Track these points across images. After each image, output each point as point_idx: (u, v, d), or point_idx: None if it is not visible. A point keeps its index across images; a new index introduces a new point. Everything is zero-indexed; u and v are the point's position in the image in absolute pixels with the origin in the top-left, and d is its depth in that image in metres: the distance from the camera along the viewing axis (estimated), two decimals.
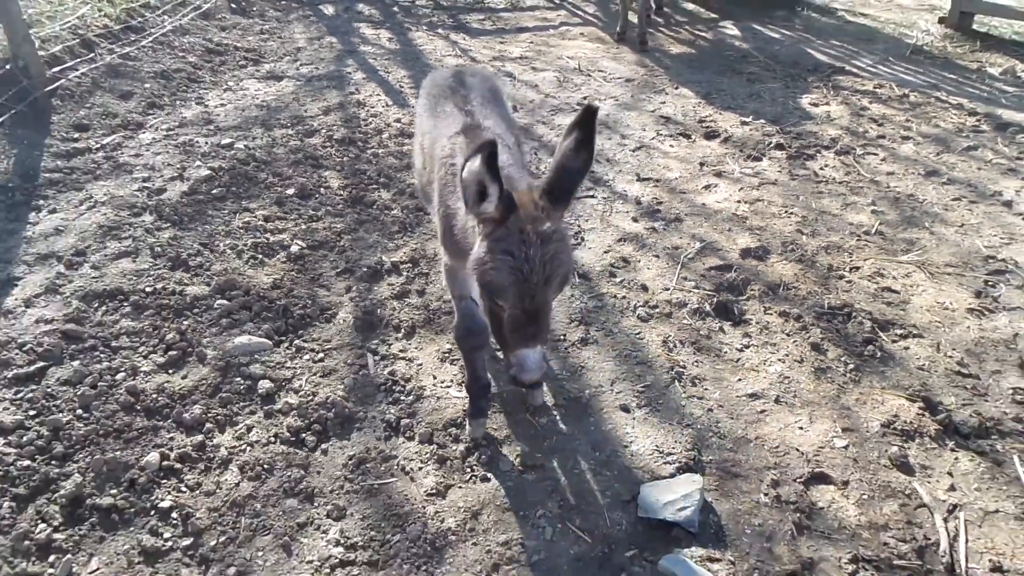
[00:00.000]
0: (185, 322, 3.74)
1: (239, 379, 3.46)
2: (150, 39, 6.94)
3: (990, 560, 2.78)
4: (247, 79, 6.84)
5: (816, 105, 6.95)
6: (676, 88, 7.33)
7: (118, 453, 3.01)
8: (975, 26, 8.66)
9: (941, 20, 8.89)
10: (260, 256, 4.33)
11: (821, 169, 5.71)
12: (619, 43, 8.59)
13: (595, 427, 3.33)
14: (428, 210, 3.62)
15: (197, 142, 5.46)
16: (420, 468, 3.11)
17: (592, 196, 5.24)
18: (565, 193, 2.26)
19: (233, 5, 8.70)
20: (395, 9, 9.51)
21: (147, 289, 3.90)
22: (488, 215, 2.18)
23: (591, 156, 2.27)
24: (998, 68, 7.75)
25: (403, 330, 3.89)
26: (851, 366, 3.69)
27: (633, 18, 8.76)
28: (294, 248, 4.43)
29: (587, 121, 2.24)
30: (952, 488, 3.07)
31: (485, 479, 3.08)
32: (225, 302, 3.90)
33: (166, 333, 3.63)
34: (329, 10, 9.25)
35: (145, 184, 4.85)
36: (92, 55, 6.31)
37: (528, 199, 2.24)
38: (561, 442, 3.26)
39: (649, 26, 8.94)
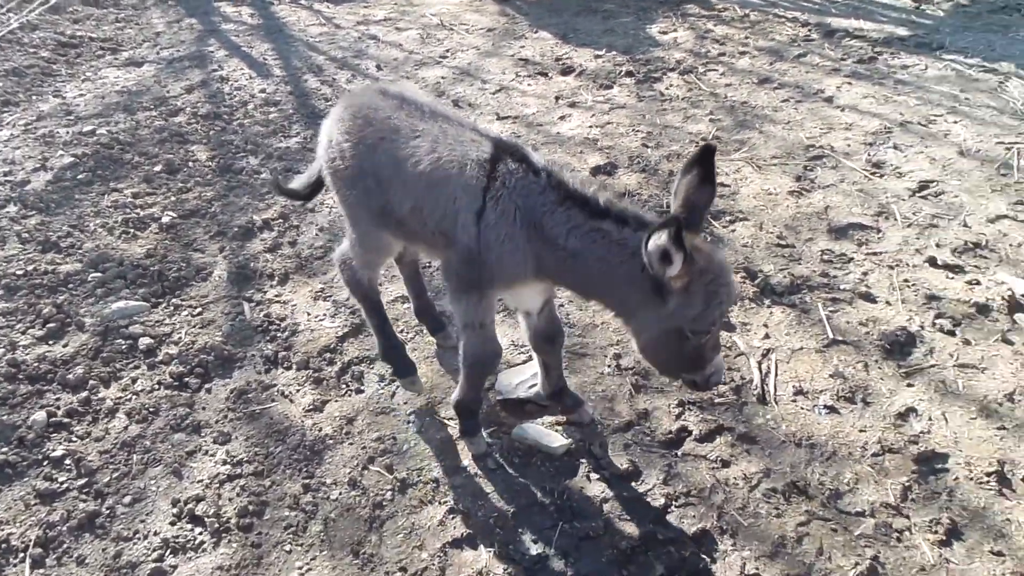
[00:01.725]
0: (61, 297, 3.87)
1: (120, 340, 3.64)
2: None
3: (793, 387, 3.26)
4: (106, 68, 6.79)
5: (665, 33, 7.38)
6: (535, 32, 7.64)
7: (3, 418, 3.18)
8: None
9: None
10: (132, 230, 4.46)
11: (666, 89, 6.14)
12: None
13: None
14: (424, 252, 3.23)
15: (57, 132, 5.47)
16: (298, 390, 3.39)
17: None
18: (697, 226, 2.38)
19: None
20: None
21: (18, 272, 3.99)
22: (674, 276, 2.22)
23: (715, 189, 2.39)
24: None
25: (277, 278, 4.12)
26: None
27: None
28: (165, 219, 4.56)
29: (706, 158, 2.33)
30: (767, 336, 3.55)
31: (359, 391, 3.38)
32: (99, 274, 4.04)
33: (42, 308, 3.76)
34: None
35: (7, 178, 4.87)
36: None
37: (692, 236, 2.30)
38: (428, 351, 3.58)
39: None
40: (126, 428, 3.19)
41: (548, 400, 3.18)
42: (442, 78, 6.57)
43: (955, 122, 5.30)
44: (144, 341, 3.62)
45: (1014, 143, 4.95)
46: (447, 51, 7.20)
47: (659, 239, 2.11)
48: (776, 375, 3.33)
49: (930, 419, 3.06)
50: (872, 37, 6.86)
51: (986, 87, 5.77)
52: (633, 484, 2.88)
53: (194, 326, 3.77)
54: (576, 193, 2.43)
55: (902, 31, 6.95)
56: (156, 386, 3.40)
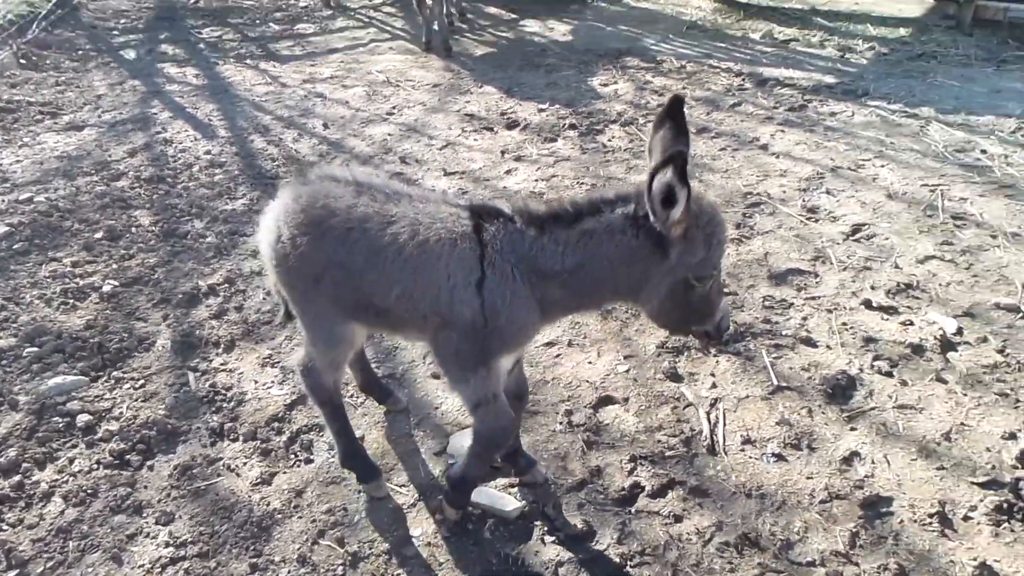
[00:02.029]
0: None
1: (57, 418, 3.52)
2: None
3: (741, 436, 3.31)
4: (44, 133, 6.68)
5: (606, 85, 7.60)
6: (480, 87, 7.78)
7: None
8: None
9: None
10: (71, 301, 4.35)
11: (609, 141, 6.30)
12: (427, 52, 8.98)
13: (409, 396, 3.64)
14: (401, 334, 3.05)
15: None
16: (245, 463, 3.31)
17: None
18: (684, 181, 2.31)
19: (23, 61, 8.40)
20: (200, 46, 9.47)
21: None
22: (677, 219, 2.24)
23: (688, 139, 2.39)
24: (759, 33, 8.73)
25: (223, 345, 4.04)
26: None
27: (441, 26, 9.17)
28: (106, 288, 4.47)
29: (676, 110, 2.37)
30: (714, 386, 3.60)
31: (309, 461, 3.32)
32: (35, 349, 3.92)
33: None
34: (131, 55, 9.10)
35: None
36: None
37: None
38: (378, 416, 3.54)
39: (453, 32, 9.40)
40: (62, 512, 3.06)
41: (503, 461, 3.17)
42: (389, 135, 6.63)
43: (882, 166, 5.55)
44: (83, 418, 3.51)
45: (937, 185, 5.19)
46: (394, 108, 7.28)
47: (665, 175, 2.13)
48: (724, 425, 3.38)
49: (873, 462, 3.13)
50: (802, 85, 7.17)
51: (909, 131, 6.06)
52: (588, 544, 2.87)
53: (136, 400, 3.67)
54: (547, 215, 2.46)
55: (829, 79, 7.28)
56: (95, 466, 3.29)
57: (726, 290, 4.25)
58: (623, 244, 2.38)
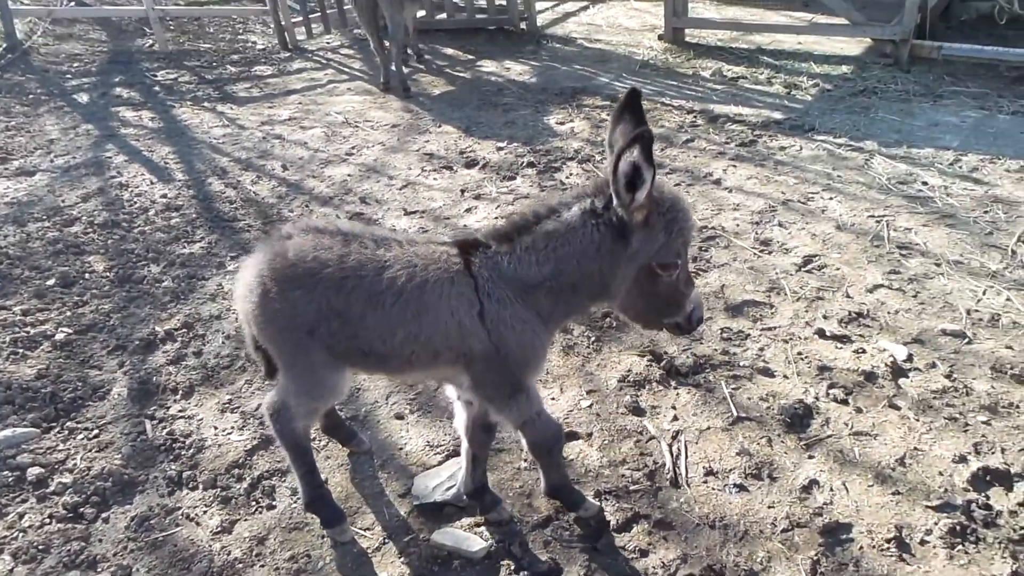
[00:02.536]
0: None
1: (6, 472, 3.41)
2: None
3: (704, 468, 3.35)
4: None
5: (562, 123, 7.75)
6: (439, 127, 7.87)
7: None
8: (687, 39, 10.03)
9: (660, 37, 10.19)
10: (21, 350, 4.24)
11: (567, 178, 6.41)
12: (385, 92, 9.06)
13: (372, 437, 3.61)
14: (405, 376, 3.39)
15: None
16: (205, 511, 3.24)
17: None
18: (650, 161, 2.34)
19: None
20: (156, 89, 9.42)
21: None
22: (640, 203, 2.32)
23: (649, 128, 2.32)
24: (708, 71, 9.00)
25: (181, 391, 3.98)
26: (593, 338, 4.24)
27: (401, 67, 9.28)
28: (59, 336, 4.37)
29: (634, 102, 2.48)
30: (675, 418, 3.65)
31: (271, 507, 3.26)
32: None
33: None
34: (83, 98, 9.00)
35: None
36: None
37: None
38: (342, 458, 3.50)
39: (411, 73, 9.51)
40: (11, 572, 2.95)
41: (469, 499, 3.15)
42: (349, 175, 6.66)
43: (830, 198, 5.74)
44: (33, 471, 3.41)
45: (883, 216, 5.39)
46: (353, 148, 7.32)
47: (631, 155, 2.19)
48: (687, 457, 3.42)
49: (832, 489, 3.19)
50: (751, 121, 7.40)
51: (854, 164, 6.29)
52: None
53: (90, 450, 3.58)
54: (512, 228, 2.58)
55: (777, 115, 7.54)
56: (47, 520, 3.19)
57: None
58: (585, 239, 2.49)
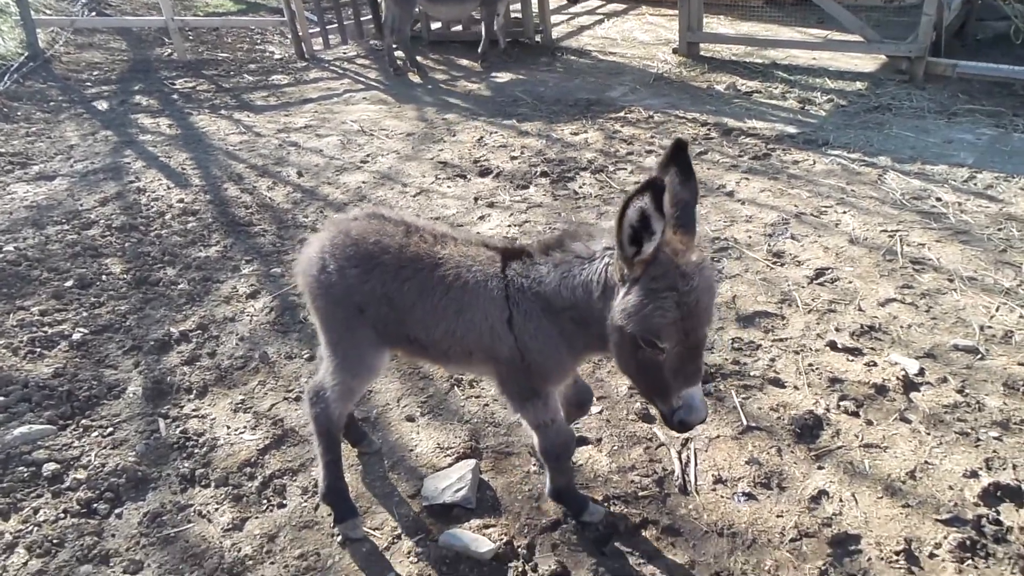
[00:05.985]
0: None
1: (22, 467, 3.45)
2: None
3: (713, 475, 3.35)
4: (14, 183, 6.66)
5: (576, 134, 7.80)
6: (453, 136, 7.94)
7: None
8: (702, 52, 10.07)
9: (675, 51, 10.24)
10: (39, 349, 4.30)
11: (580, 188, 6.45)
12: (396, 75, 10.02)
13: (383, 439, 3.64)
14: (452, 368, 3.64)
15: None
16: (216, 509, 3.27)
17: None
18: (690, 222, 2.27)
19: None
20: (174, 97, 9.55)
21: None
22: (644, 258, 2.13)
23: (696, 184, 2.31)
24: (723, 85, 9.04)
25: (195, 391, 4.02)
26: None
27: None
28: (76, 336, 4.43)
29: (680, 154, 2.29)
30: None
31: (281, 506, 3.29)
32: (1, 398, 3.85)
33: None
34: (103, 105, 9.14)
35: None
36: None
37: (668, 235, 2.20)
38: (352, 459, 3.53)
39: (407, 69, 10.33)
40: (26, 564, 2.99)
41: (465, 503, 3.19)
42: (363, 182, 6.72)
43: (844, 212, 5.74)
44: (49, 467, 3.45)
45: (896, 231, 5.38)
46: (368, 156, 7.39)
47: (641, 201, 2.00)
48: (696, 464, 3.42)
49: (841, 501, 3.19)
50: (765, 135, 7.42)
51: (868, 179, 6.29)
52: None
53: (105, 447, 3.62)
54: (551, 243, 2.60)
55: (791, 129, 7.55)
56: (61, 515, 3.22)
57: None
58: (593, 274, 2.42)
